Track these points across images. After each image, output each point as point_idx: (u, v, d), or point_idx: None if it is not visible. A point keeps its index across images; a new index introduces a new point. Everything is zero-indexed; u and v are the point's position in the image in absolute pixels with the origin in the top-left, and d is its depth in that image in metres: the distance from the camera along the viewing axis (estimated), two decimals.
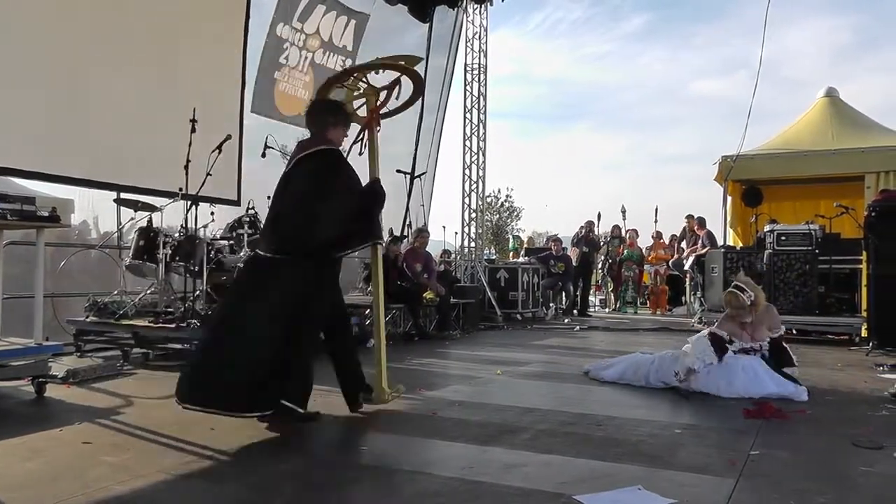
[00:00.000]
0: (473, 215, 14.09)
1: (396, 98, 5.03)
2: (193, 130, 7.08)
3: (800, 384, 5.41)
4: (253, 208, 8.26)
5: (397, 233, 11.57)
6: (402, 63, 5.05)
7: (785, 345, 5.72)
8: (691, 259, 13.43)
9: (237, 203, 9.50)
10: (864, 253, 9.40)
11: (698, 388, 5.43)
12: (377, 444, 3.99)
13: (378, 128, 4.99)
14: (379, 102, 5.01)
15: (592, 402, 5.19)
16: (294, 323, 4.19)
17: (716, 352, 5.50)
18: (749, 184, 12.19)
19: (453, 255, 14.66)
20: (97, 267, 8.44)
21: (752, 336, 5.63)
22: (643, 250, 15.73)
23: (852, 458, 3.63)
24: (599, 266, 15.87)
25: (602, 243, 15.79)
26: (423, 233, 10.96)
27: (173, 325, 6.76)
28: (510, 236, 27.47)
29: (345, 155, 4.67)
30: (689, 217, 14.30)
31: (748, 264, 10.47)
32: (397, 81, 5.00)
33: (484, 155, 14.10)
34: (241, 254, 7.78)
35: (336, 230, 4.35)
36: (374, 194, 4.62)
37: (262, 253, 4.49)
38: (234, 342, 4.15)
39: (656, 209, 15.35)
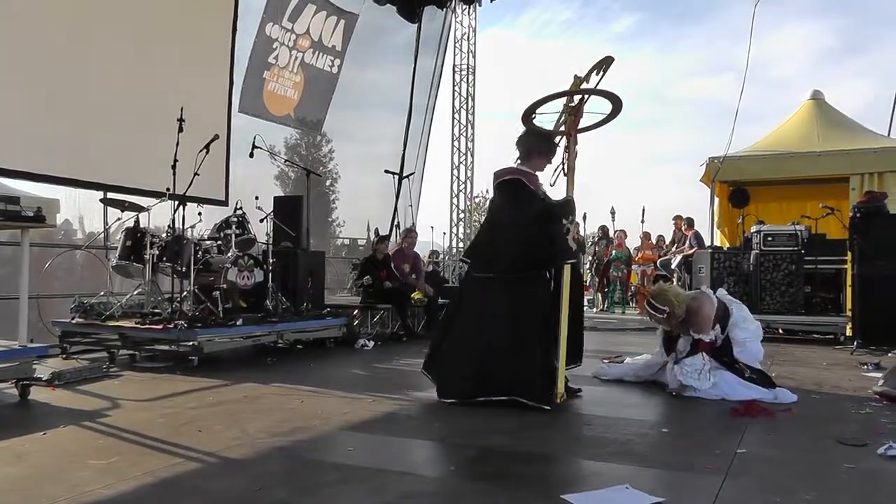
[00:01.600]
0: (461, 216, 14.20)
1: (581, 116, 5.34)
2: (181, 130, 7.04)
3: (773, 386, 5.32)
4: (241, 208, 8.24)
5: (384, 233, 11.60)
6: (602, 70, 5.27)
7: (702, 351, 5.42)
8: (678, 259, 13.48)
9: (225, 203, 9.48)
10: (849, 253, 9.52)
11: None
12: (365, 444, 3.96)
13: (576, 148, 5.29)
14: (574, 122, 5.31)
15: (580, 401, 5.17)
16: (517, 331, 4.89)
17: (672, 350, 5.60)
18: (736, 185, 12.38)
19: (441, 256, 14.72)
20: (83, 268, 8.42)
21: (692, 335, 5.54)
22: (631, 251, 15.77)
23: (837, 456, 3.65)
24: (587, 266, 15.91)
25: (590, 244, 15.76)
26: (410, 233, 10.95)
27: (160, 327, 6.71)
28: None
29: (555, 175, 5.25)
30: (678, 218, 14.33)
31: (734, 265, 10.58)
32: (584, 101, 5.30)
33: (472, 156, 14.28)
34: (229, 254, 7.78)
35: (525, 255, 4.94)
36: (562, 210, 5.06)
37: (476, 274, 5.22)
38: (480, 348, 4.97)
39: (643, 210, 15.52)
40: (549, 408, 4.71)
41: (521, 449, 3.82)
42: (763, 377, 5.37)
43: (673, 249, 14.31)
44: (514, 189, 5.12)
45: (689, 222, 13.87)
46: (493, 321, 4.96)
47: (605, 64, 5.22)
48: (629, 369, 6.10)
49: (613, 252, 15.19)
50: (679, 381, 5.37)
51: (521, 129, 5.33)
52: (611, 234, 15.67)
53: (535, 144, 5.24)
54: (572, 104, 5.32)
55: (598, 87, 5.22)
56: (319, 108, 12.70)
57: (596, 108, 5.34)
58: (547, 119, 5.45)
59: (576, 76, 5.30)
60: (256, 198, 8.34)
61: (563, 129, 5.36)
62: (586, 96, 5.30)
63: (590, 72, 5.25)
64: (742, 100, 11.39)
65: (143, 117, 8.26)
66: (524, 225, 4.99)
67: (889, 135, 13.10)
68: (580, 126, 5.35)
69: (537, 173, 5.26)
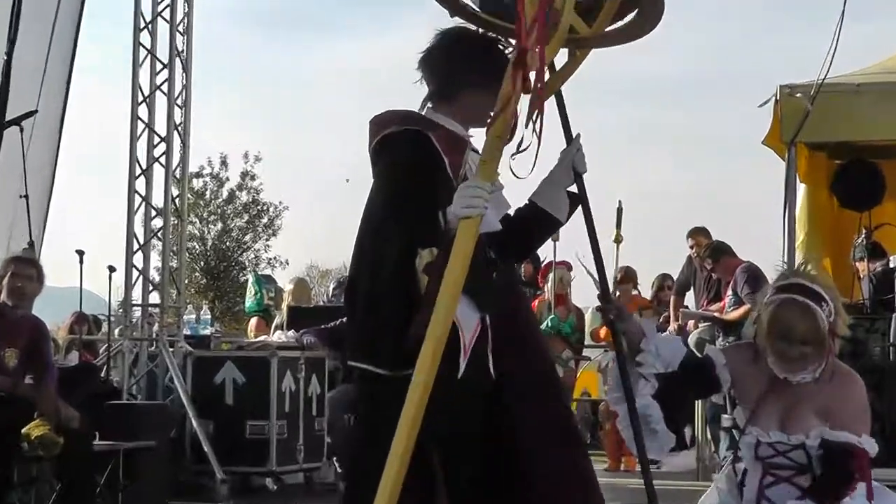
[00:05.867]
0: (156, 222, 12.67)
1: None
2: None
3: None
4: None
5: None
6: None
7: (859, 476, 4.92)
8: (701, 328, 12.68)
9: None
10: None
11: None
12: None
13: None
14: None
15: None
16: None
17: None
18: (850, 152, 11.37)
19: (103, 324, 14.14)
20: None
21: (789, 421, 4.94)
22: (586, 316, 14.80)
23: None
24: None
25: None
26: (23, 265, 9.30)
27: None
28: (250, 275, 27.39)
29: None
30: (696, 233, 13.30)
31: (850, 344, 9.16)
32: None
33: (187, 92, 12.96)
34: None
35: (373, 336, 4.77)
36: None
37: None
38: None
39: (619, 208, 13.47)
40: None
41: None
42: None
43: (691, 311, 13.68)
44: (406, 162, 4.64)
45: (719, 250, 12.49)
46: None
47: None
48: None
49: (546, 318, 13.58)
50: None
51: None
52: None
53: (470, 64, 4.69)
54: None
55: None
56: None
57: None
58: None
59: None
60: None
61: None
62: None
63: None
64: None
65: None
66: (401, 259, 4.49)
67: None
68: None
69: (469, 134, 4.81)
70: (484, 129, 4.68)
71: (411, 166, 4.61)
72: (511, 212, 4.89)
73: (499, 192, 4.62)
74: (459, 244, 4.35)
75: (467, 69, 4.65)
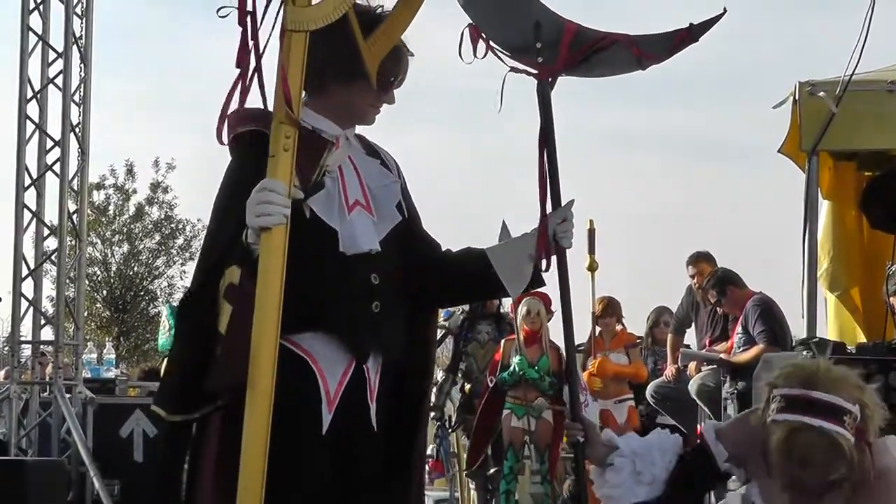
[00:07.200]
0: (49, 242, 13.45)
1: None
2: None
3: None
4: None
5: None
6: None
7: None
8: (704, 373, 12.65)
9: None
10: None
11: None
12: None
13: None
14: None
15: None
16: None
17: None
18: (883, 163, 11.55)
19: None
20: None
21: None
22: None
23: None
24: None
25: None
26: None
27: None
28: (163, 307, 27.84)
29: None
30: (698, 259, 13.54)
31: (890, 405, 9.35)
32: None
33: (86, 87, 13.44)
34: None
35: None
36: None
37: None
38: None
39: (589, 230, 14.66)
40: None
41: None
42: None
43: (693, 351, 13.67)
44: (235, 167, 4.70)
45: (725, 279, 12.72)
46: None
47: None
48: None
49: (514, 361, 13.22)
50: None
51: None
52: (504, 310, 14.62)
53: (330, 54, 4.64)
54: None
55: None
56: None
57: None
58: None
59: None
60: None
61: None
62: None
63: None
64: None
65: None
66: (204, 282, 4.48)
67: None
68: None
69: (342, 133, 4.82)
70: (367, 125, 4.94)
71: (239, 172, 4.63)
72: (454, 243, 4.91)
73: (384, 199, 4.65)
74: (265, 265, 4.33)
75: (327, 59, 4.63)
